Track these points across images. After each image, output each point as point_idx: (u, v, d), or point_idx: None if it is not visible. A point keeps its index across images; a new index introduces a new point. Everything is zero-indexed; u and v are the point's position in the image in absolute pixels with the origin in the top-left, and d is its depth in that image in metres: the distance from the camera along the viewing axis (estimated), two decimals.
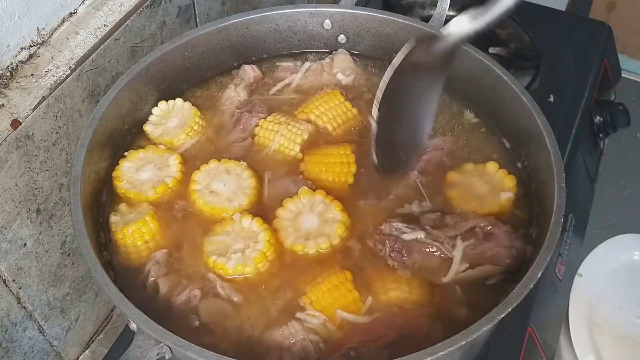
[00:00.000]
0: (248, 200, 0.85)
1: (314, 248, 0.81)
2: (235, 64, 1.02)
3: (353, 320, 0.76)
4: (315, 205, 0.84)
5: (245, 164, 0.88)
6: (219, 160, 0.88)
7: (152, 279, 0.79)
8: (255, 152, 0.93)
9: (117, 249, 0.82)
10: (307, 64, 1.03)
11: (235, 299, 0.78)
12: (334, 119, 0.95)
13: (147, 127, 0.93)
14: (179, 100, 0.94)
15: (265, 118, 0.94)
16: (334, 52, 1.03)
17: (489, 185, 0.87)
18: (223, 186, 0.86)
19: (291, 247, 0.81)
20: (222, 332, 0.76)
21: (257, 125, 0.94)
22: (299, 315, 0.76)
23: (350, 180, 0.89)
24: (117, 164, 0.88)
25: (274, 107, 0.97)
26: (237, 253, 0.79)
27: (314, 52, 1.05)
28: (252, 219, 0.82)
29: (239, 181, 0.87)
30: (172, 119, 0.93)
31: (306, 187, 0.85)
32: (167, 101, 0.95)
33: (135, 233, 0.81)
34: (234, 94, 0.99)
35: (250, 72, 1.01)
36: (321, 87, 1.00)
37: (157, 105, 0.94)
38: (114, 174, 0.87)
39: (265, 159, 0.92)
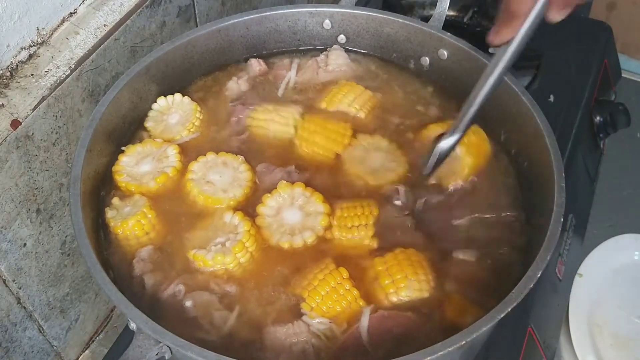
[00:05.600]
0: (242, 192, 0.86)
1: (301, 243, 0.81)
2: (235, 64, 1.02)
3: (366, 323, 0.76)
4: (295, 198, 0.84)
5: (242, 157, 0.89)
6: (217, 153, 0.88)
7: (137, 274, 0.79)
8: (252, 143, 0.93)
9: (117, 242, 0.82)
10: (296, 61, 1.03)
11: (227, 291, 0.78)
12: (364, 106, 0.96)
13: (148, 124, 0.93)
14: (177, 96, 0.94)
15: (255, 110, 0.95)
16: (328, 49, 1.03)
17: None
18: (219, 177, 0.86)
19: (277, 244, 0.81)
20: (211, 326, 0.76)
21: (248, 117, 0.94)
22: (305, 319, 0.76)
23: (340, 149, 0.90)
24: (117, 159, 0.88)
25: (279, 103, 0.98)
26: (217, 245, 0.80)
27: (312, 51, 1.05)
28: (233, 213, 0.82)
29: (235, 174, 0.87)
30: (173, 115, 0.93)
31: (284, 182, 0.85)
32: (166, 97, 0.94)
33: (136, 226, 0.82)
34: (235, 85, 0.99)
35: (256, 65, 1.01)
36: (321, 84, 1.00)
37: (156, 101, 0.94)
38: (114, 168, 0.87)
39: (263, 149, 0.92)
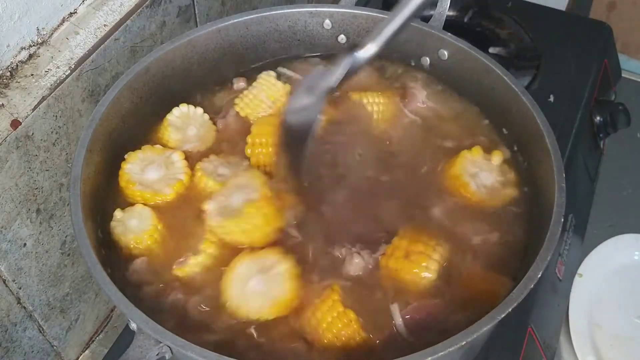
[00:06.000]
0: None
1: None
2: (235, 64, 1.02)
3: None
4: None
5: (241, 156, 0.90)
6: (218, 155, 0.90)
7: (135, 283, 0.80)
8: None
9: (121, 248, 0.82)
10: (320, 68, 1.01)
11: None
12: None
13: (170, 130, 0.92)
14: (199, 109, 0.94)
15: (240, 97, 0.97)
16: None
17: None
18: (228, 171, 0.88)
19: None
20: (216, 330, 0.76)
21: (234, 104, 0.96)
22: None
23: None
24: (119, 167, 0.87)
25: None
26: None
27: (316, 56, 1.05)
28: None
29: (240, 166, 0.89)
30: (191, 127, 0.93)
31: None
32: (188, 105, 0.94)
33: (149, 240, 0.82)
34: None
35: (237, 83, 1.01)
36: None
37: (177, 106, 0.94)
38: (123, 178, 0.86)
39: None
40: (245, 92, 0.97)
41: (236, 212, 0.81)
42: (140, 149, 0.89)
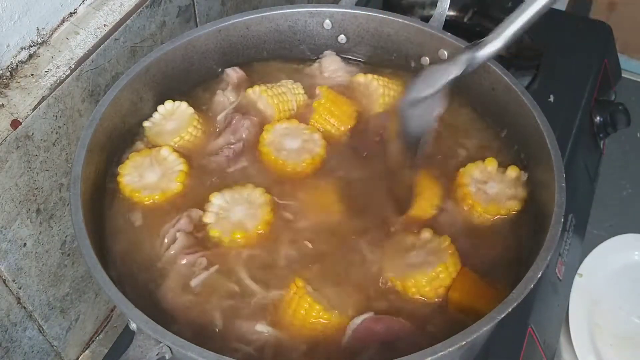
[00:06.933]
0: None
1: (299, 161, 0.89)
2: (236, 64, 1.02)
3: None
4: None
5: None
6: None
7: (175, 230, 0.81)
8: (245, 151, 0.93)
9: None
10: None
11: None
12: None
13: (147, 124, 0.92)
14: (184, 104, 0.94)
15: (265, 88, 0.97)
16: (320, 56, 1.03)
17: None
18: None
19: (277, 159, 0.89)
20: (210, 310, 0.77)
21: (263, 91, 0.96)
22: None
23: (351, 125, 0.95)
24: (118, 173, 0.87)
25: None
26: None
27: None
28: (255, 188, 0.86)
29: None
30: (172, 122, 0.93)
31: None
32: (173, 101, 0.94)
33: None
34: (223, 98, 0.98)
35: (233, 74, 1.00)
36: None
37: (162, 104, 0.93)
38: (126, 190, 0.86)
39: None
40: (269, 84, 0.97)
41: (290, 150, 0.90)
42: (128, 158, 0.89)
